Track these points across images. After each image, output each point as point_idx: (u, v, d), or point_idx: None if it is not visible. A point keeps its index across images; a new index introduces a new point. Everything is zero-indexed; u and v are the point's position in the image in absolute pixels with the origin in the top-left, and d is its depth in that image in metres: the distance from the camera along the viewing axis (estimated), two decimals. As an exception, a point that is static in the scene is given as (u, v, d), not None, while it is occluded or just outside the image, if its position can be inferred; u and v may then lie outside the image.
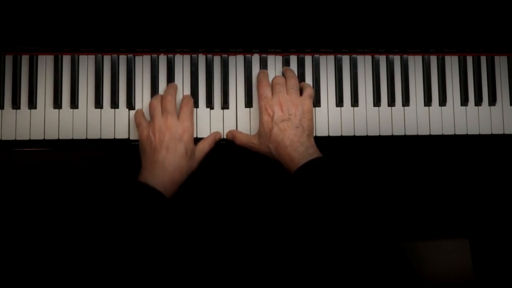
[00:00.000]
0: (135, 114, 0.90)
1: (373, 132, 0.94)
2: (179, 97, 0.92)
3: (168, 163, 0.82)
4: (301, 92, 0.91)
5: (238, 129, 0.92)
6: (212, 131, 0.92)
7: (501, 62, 0.97)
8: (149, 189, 0.80)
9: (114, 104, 0.91)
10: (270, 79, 0.92)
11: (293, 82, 0.90)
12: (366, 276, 0.71)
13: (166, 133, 0.84)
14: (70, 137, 0.90)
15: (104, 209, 0.81)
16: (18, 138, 0.90)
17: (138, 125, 0.89)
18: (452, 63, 0.96)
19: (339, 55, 0.95)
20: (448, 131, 0.94)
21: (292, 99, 0.87)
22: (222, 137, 0.92)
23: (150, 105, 0.88)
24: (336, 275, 0.72)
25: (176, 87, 0.91)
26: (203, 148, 0.89)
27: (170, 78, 0.92)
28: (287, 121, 0.85)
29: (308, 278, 0.76)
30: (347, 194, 0.78)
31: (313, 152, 0.83)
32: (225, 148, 0.92)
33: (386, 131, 0.94)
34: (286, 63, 0.94)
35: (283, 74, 0.93)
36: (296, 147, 0.83)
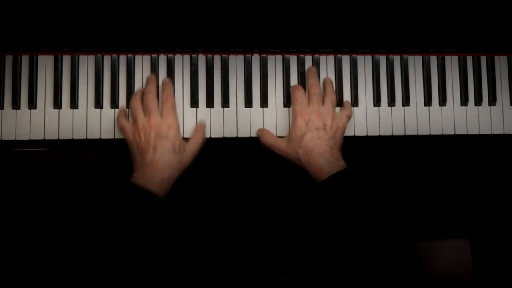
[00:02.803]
0: (118, 119, 0.89)
1: (373, 132, 0.94)
2: (179, 98, 0.92)
3: (157, 161, 0.81)
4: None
5: (239, 129, 0.92)
6: (212, 131, 0.92)
7: (501, 62, 0.97)
8: (140, 190, 0.80)
9: (114, 104, 0.91)
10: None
11: (332, 97, 0.90)
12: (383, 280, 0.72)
13: (151, 132, 0.83)
14: (70, 137, 0.90)
15: (99, 213, 0.81)
16: (18, 138, 0.90)
17: (122, 129, 0.87)
18: (452, 63, 0.96)
19: (339, 55, 0.95)
20: (448, 131, 0.94)
21: (329, 112, 0.88)
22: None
23: (131, 107, 0.87)
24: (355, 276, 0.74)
25: (155, 81, 0.90)
26: (193, 142, 0.87)
27: (170, 78, 0.92)
28: (321, 130, 0.85)
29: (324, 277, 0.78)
30: (373, 204, 0.80)
31: (342, 165, 0.84)
32: (213, 148, 0.92)
33: (386, 131, 0.94)
34: (286, 63, 0.94)
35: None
36: (327, 157, 0.83)
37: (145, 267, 0.77)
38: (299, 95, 0.89)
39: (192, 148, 0.87)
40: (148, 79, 0.90)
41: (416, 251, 0.77)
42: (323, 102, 0.89)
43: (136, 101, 0.87)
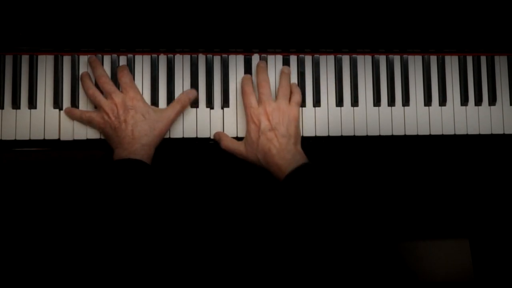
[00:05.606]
0: (81, 115, 0.89)
1: (373, 132, 0.94)
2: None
3: (131, 132, 0.84)
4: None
5: (239, 129, 0.92)
6: (212, 131, 0.92)
7: (501, 62, 0.97)
8: (126, 161, 0.81)
9: (114, 104, 0.91)
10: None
11: (285, 91, 0.89)
12: (360, 278, 0.70)
13: (119, 110, 0.85)
14: (70, 137, 0.90)
15: (96, 198, 0.81)
16: (18, 138, 0.90)
17: (90, 121, 0.88)
18: (452, 63, 0.96)
19: (339, 55, 0.95)
20: (448, 131, 0.94)
21: (280, 107, 0.87)
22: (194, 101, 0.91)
23: (89, 95, 0.88)
24: (329, 277, 0.72)
25: (99, 63, 0.91)
26: (170, 111, 0.88)
27: (170, 78, 0.92)
28: (274, 130, 0.85)
29: (300, 280, 0.76)
30: (335, 199, 0.78)
31: (299, 159, 0.83)
32: (213, 148, 0.91)
33: (386, 131, 0.94)
34: (286, 63, 0.94)
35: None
36: (283, 155, 0.83)
37: (146, 238, 0.77)
38: (248, 100, 0.89)
39: (167, 113, 0.88)
40: (91, 64, 0.91)
41: (396, 248, 0.73)
42: (277, 97, 0.89)
43: (92, 89, 0.88)
